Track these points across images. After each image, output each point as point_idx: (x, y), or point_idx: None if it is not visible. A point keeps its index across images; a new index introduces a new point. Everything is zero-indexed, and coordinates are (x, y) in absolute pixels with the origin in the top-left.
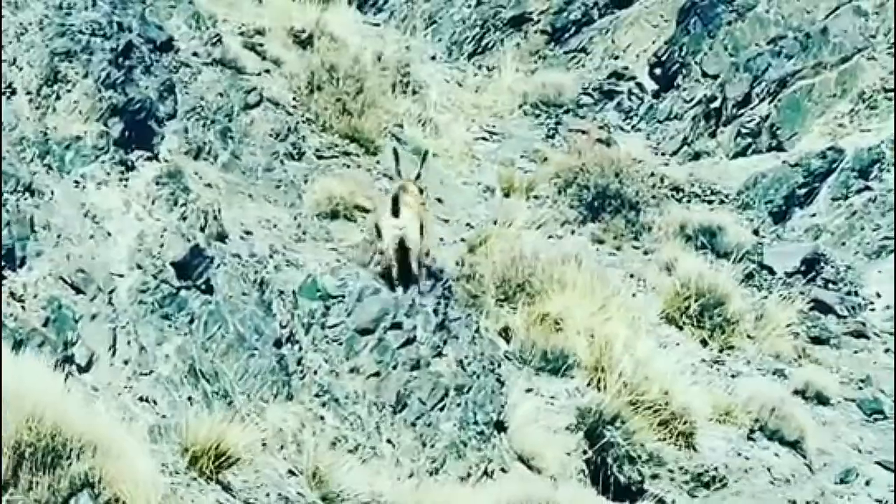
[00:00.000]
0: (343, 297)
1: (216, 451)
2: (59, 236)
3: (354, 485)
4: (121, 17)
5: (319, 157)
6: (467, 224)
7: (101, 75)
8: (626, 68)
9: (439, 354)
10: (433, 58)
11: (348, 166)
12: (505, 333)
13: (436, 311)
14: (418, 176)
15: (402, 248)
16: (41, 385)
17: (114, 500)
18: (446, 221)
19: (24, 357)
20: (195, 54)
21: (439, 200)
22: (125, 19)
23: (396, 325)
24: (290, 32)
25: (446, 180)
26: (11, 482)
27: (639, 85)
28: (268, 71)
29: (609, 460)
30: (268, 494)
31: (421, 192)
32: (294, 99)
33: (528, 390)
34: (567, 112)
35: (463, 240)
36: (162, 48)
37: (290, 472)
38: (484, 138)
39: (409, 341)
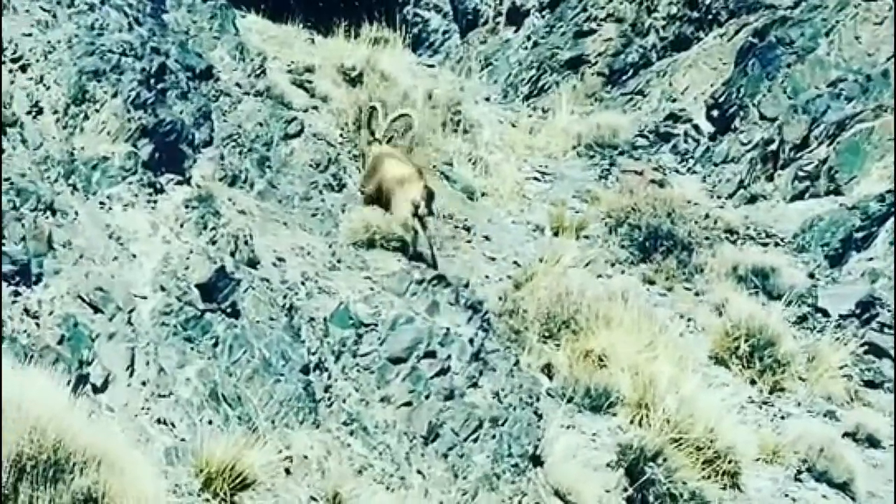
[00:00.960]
0: (376, 325)
1: (231, 472)
2: (80, 256)
3: None
4: (158, 43)
5: (363, 192)
6: (514, 262)
7: (130, 95)
8: (682, 110)
9: (474, 385)
10: (487, 99)
11: None
12: (548, 370)
13: (471, 341)
14: (390, 139)
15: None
16: (46, 399)
17: None
18: (493, 259)
19: (30, 372)
20: (238, 85)
21: (487, 238)
22: (164, 45)
23: (430, 354)
24: (340, 70)
25: (495, 219)
26: (11, 496)
27: (695, 127)
28: (315, 107)
29: (650, 498)
30: None
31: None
32: (341, 135)
33: (569, 427)
34: (622, 154)
35: (509, 277)
36: (200, 76)
37: (312, 498)
38: (536, 178)
39: (443, 371)
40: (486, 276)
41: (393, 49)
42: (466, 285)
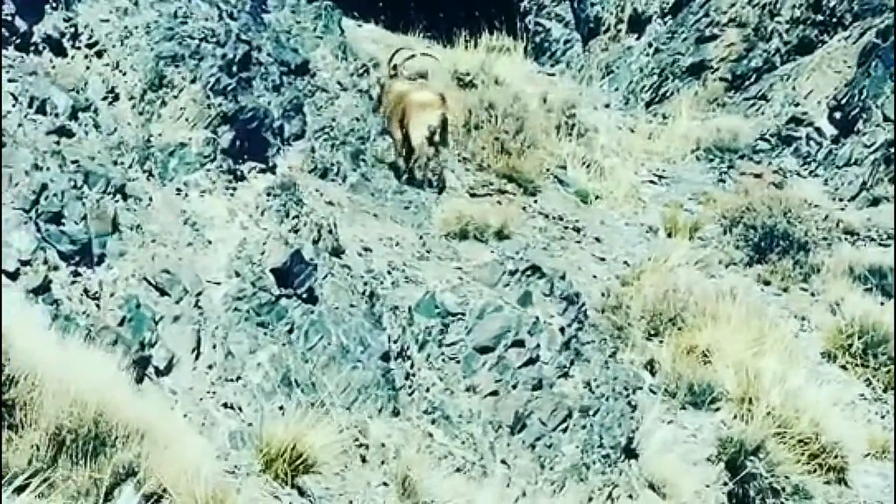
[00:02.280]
0: (463, 314)
1: (292, 453)
2: (150, 239)
3: (450, 497)
4: (249, 35)
5: (473, 195)
6: (624, 262)
7: (209, 81)
8: (805, 113)
9: (565, 375)
10: (607, 105)
11: (500, 203)
12: (650, 366)
13: (562, 330)
14: (394, 67)
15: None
16: (91, 374)
17: (160, 491)
18: (602, 259)
19: (75, 346)
20: (339, 83)
21: (597, 240)
22: (256, 39)
23: (518, 343)
24: (454, 75)
25: (608, 220)
26: (50, 470)
27: (818, 130)
28: None
29: (751, 492)
30: (351, 502)
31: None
32: (452, 139)
33: (670, 422)
34: (741, 157)
35: (617, 277)
36: (295, 71)
37: (384, 483)
38: (652, 181)
39: (532, 360)
40: (594, 276)
41: (513, 58)
42: (563, 277)
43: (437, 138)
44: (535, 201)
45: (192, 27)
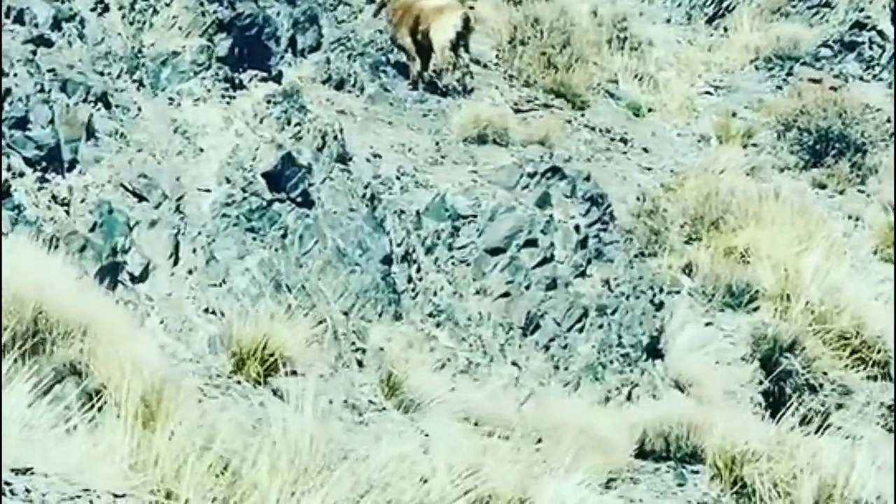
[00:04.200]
0: (475, 216)
1: (264, 353)
2: (134, 147)
3: (440, 394)
4: None
5: (517, 111)
6: (671, 171)
7: None
8: (868, 17)
9: (582, 275)
10: (668, 20)
11: (542, 118)
12: (689, 270)
13: (577, 228)
14: None
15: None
16: (37, 273)
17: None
18: (649, 169)
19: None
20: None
21: (645, 150)
22: None
23: (531, 243)
24: None
25: (658, 132)
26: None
27: (880, 33)
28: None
29: (787, 390)
30: (331, 401)
31: None
32: (497, 56)
33: (708, 324)
34: (803, 64)
35: (662, 185)
36: None
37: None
38: (708, 92)
39: (546, 260)
40: (638, 185)
41: None
42: (588, 178)
43: (461, 41)
44: (583, 115)
45: None
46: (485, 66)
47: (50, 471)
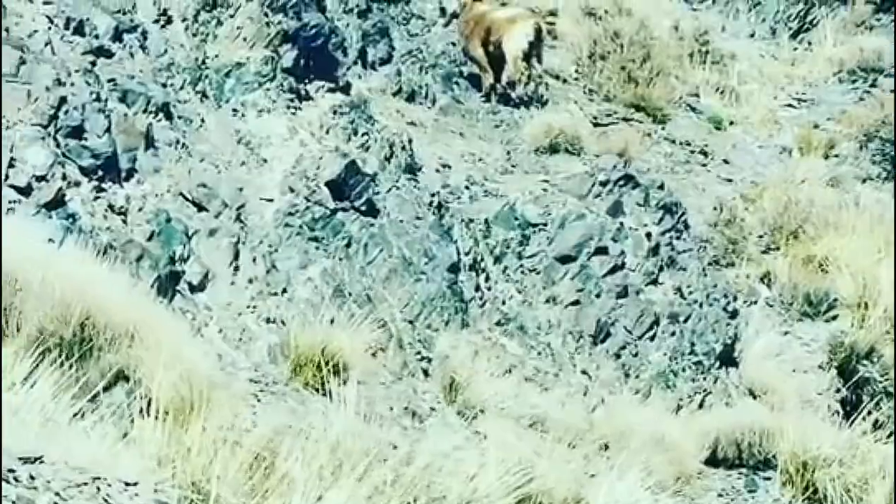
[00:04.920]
0: (545, 225)
1: (322, 359)
2: (197, 157)
3: (503, 401)
4: None
5: (596, 125)
6: (752, 182)
7: None
8: None
9: (654, 282)
10: (751, 35)
11: (621, 131)
12: (767, 279)
13: (649, 236)
14: None
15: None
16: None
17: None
18: (729, 181)
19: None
20: (442, 10)
21: (726, 162)
22: None
23: (601, 251)
24: (585, 11)
25: (740, 144)
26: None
27: None
28: (552, 47)
29: (864, 398)
30: (391, 408)
31: None
32: (576, 70)
33: (786, 333)
34: (886, 76)
35: (741, 196)
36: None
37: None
38: (791, 105)
39: (617, 268)
40: (717, 197)
41: None
42: (661, 187)
43: (533, 51)
44: (663, 128)
45: None
46: (564, 80)
47: (63, 460)
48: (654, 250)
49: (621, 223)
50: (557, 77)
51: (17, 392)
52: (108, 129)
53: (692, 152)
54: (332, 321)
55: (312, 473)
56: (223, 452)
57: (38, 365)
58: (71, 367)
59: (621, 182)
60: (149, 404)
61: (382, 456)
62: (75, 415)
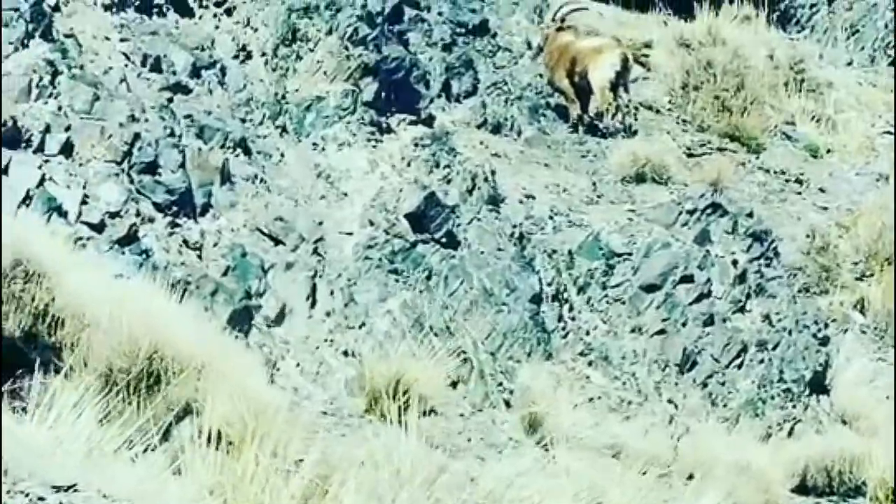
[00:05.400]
0: (629, 254)
1: (398, 391)
2: (276, 192)
3: (583, 430)
4: (429, 1)
5: (689, 155)
6: (848, 210)
7: (347, 32)
8: None
9: (741, 310)
10: (849, 63)
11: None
12: (861, 306)
13: (735, 263)
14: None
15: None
16: (151, 313)
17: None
18: (825, 209)
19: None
20: (528, 44)
21: (821, 190)
22: (436, 4)
23: (687, 279)
24: (680, 42)
25: (836, 172)
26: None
27: None
28: (646, 78)
29: None
30: (469, 440)
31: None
32: (670, 101)
33: (879, 359)
34: None
35: (836, 224)
36: (473, 31)
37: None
38: (889, 132)
39: (703, 296)
40: (810, 225)
41: (755, 26)
42: (750, 214)
43: (620, 80)
44: (757, 157)
45: None
46: (657, 111)
47: (98, 489)
48: (742, 278)
49: (707, 251)
50: (651, 108)
51: (64, 422)
52: (182, 165)
53: (787, 181)
54: (412, 354)
55: (368, 500)
56: (275, 481)
57: (106, 400)
58: (133, 401)
59: (709, 210)
60: (205, 435)
61: (447, 483)
62: (124, 444)
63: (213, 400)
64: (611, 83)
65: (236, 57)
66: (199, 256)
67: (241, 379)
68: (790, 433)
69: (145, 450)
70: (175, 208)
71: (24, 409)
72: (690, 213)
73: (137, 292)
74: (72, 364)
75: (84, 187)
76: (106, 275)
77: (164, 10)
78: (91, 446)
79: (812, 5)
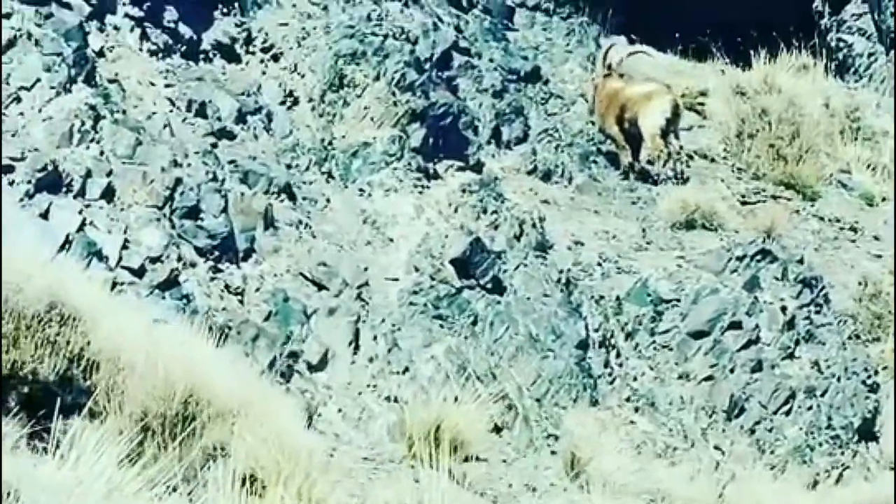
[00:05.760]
0: (678, 300)
1: (437, 434)
2: (312, 235)
3: (626, 476)
4: (481, 47)
5: (744, 203)
6: None
7: (395, 78)
8: None
9: (790, 356)
10: None
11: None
12: None
13: (784, 309)
14: (609, 67)
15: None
16: (187, 358)
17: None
18: (879, 257)
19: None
20: (581, 94)
21: (876, 238)
22: (476, 46)
23: (735, 326)
24: (735, 90)
25: (891, 220)
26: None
27: None
28: (701, 126)
29: None
30: (510, 485)
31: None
32: (724, 149)
33: None
34: None
35: (890, 272)
36: (525, 78)
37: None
38: None
39: (751, 342)
40: (863, 273)
41: (813, 75)
42: (801, 261)
43: (671, 127)
44: (812, 205)
45: (377, 25)
46: (712, 160)
47: None
48: (791, 324)
49: (755, 297)
50: (705, 156)
51: (85, 463)
52: (224, 210)
53: (841, 229)
54: (455, 399)
55: None
56: None
57: (137, 442)
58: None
59: (759, 257)
60: (232, 476)
61: None
62: (146, 486)
63: (245, 443)
64: (661, 130)
65: (283, 103)
66: (241, 301)
67: (277, 423)
68: (838, 480)
69: (168, 491)
70: (217, 253)
71: (44, 450)
72: (740, 259)
73: (175, 336)
74: (105, 407)
75: (125, 232)
76: (143, 319)
77: (211, 56)
78: (111, 487)
79: (870, 54)
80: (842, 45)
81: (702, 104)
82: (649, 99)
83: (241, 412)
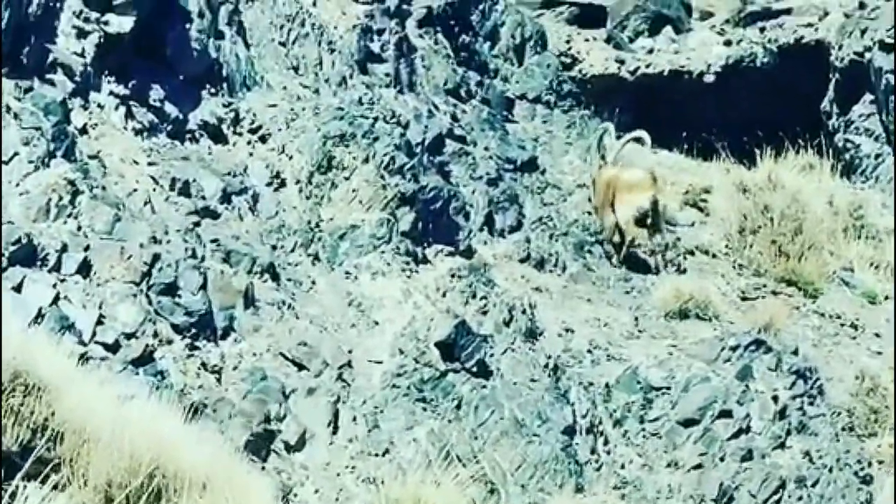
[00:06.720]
0: (668, 388)
1: None
2: (295, 316)
3: None
4: (477, 136)
5: (744, 299)
6: None
7: (384, 160)
8: None
9: (781, 446)
10: None
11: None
12: None
13: (775, 399)
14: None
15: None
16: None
17: None
18: (879, 353)
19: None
20: (580, 185)
21: (877, 335)
22: (472, 135)
23: (725, 414)
24: (739, 187)
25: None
26: None
27: None
28: (703, 222)
29: None
30: None
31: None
32: (726, 245)
33: None
34: None
35: (890, 368)
36: (521, 168)
37: None
38: None
39: (741, 431)
40: (861, 368)
41: (819, 174)
42: (795, 352)
43: (648, 220)
44: (813, 301)
45: (368, 108)
46: (713, 255)
47: None
48: (782, 414)
49: (747, 385)
50: (706, 252)
51: None
52: (203, 287)
53: (842, 325)
54: (437, 483)
55: None
56: None
57: None
58: None
59: (752, 347)
60: None
61: None
62: None
63: None
64: (634, 220)
65: (269, 184)
66: (218, 380)
67: (247, 501)
68: None
69: None
70: (194, 330)
71: None
72: (733, 349)
73: (144, 411)
74: (69, 478)
75: (100, 307)
76: (112, 392)
77: (198, 136)
78: None
79: (877, 155)
80: (849, 145)
81: (705, 201)
82: (630, 190)
83: (209, 488)
